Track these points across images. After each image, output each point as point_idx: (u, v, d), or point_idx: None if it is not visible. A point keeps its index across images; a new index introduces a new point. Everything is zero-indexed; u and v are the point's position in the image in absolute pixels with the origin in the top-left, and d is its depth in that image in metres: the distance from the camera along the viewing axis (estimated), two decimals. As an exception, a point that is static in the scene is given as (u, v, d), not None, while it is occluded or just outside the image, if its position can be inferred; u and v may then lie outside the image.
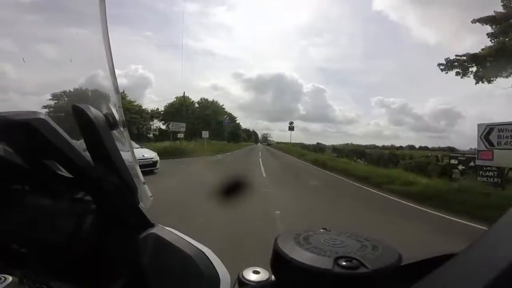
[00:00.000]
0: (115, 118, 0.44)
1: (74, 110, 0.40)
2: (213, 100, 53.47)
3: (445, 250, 0.29)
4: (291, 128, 45.55)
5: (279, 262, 0.29)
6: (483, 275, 0.19)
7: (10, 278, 0.38)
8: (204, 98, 51.96)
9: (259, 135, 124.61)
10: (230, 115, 58.51)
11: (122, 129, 0.45)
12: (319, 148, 31.17)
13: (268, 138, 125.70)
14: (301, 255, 0.28)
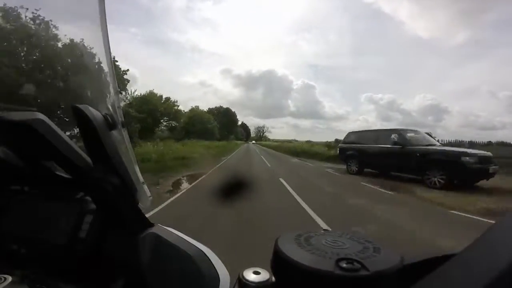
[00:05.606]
0: (114, 118, 0.44)
1: (73, 110, 0.40)
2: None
3: (445, 250, 0.29)
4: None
5: (280, 263, 0.29)
6: (483, 275, 0.19)
7: (10, 278, 0.38)
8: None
9: (251, 131, 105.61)
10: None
11: (121, 129, 0.45)
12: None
13: (265, 134, 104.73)
14: (302, 256, 0.28)
